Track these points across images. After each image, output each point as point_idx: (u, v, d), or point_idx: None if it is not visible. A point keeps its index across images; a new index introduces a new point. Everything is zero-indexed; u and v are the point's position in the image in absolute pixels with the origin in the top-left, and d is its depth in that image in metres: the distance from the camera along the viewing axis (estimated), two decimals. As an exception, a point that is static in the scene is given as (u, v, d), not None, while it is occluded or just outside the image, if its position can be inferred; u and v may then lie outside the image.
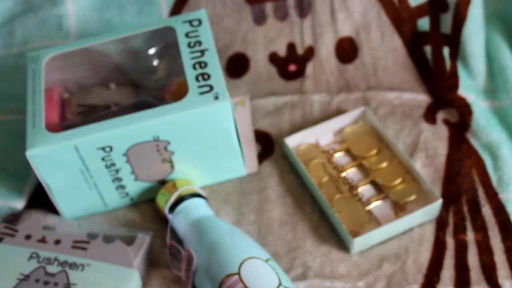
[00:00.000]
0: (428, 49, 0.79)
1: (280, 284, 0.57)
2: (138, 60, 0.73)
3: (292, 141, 0.72)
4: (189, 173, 0.68)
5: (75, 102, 0.71)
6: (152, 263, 0.65)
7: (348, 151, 0.72)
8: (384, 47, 0.80)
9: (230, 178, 0.71)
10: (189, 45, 0.67)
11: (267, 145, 0.74)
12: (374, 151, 0.71)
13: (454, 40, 0.78)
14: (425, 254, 0.64)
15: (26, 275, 0.60)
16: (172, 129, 0.63)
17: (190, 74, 0.65)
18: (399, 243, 0.65)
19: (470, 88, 0.77)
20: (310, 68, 0.80)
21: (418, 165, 0.70)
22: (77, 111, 0.70)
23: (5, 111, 0.78)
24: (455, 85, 0.76)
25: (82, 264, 0.61)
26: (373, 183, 0.69)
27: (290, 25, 0.81)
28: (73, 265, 0.61)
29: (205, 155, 0.67)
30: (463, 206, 0.67)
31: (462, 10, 0.78)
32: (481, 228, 0.65)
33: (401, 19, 0.80)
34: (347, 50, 0.81)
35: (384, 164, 0.70)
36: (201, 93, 0.63)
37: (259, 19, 0.82)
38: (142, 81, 0.73)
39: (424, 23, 0.80)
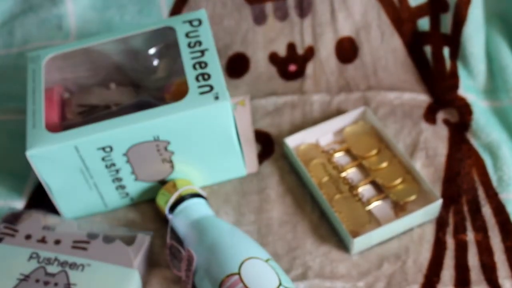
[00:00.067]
0: (428, 49, 0.79)
1: (280, 284, 0.57)
2: (138, 60, 0.73)
3: (292, 141, 0.72)
4: (189, 173, 0.68)
5: (75, 102, 0.71)
6: (152, 263, 0.65)
7: (348, 151, 0.72)
8: (384, 47, 0.80)
9: (230, 178, 0.71)
10: (189, 45, 0.67)
11: (267, 145, 0.74)
12: (374, 151, 0.71)
13: (454, 40, 0.78)
14: (425, 254, 0.64)
15: (26, 275, 0.60)
16: (172, 129, 0.63)
17: (190, 74, 0.65)
18: (399, 243, 0.65)
19: (470, 88, 0.77)
20: (310, 68, 0.80)
21: (418, 165, 0.70)
22: (77, 111, 0.70)
23: (5, 111, 0.78)
24: (455, 85, 0.76)
25: (82, 264, 0.61)
26: (373, 183, 0.69)
27: (290, 25, 0.81)
28: (73, 265, 0.61)
29: (205, 155, 0.67)
30: (463, 206, 0.67)
31: (462, 10, 0.78)
32: (481, 228, 0.65)
33: (401, 19, 0.80)
34: (347, 50, 0.81)
35: (384, 164, 0.70)
36: (201, 93, 0.63)
37: (259, 19, 0.82)
38: (142, 81, 0.73)
39: (424, 23, 0.80)
